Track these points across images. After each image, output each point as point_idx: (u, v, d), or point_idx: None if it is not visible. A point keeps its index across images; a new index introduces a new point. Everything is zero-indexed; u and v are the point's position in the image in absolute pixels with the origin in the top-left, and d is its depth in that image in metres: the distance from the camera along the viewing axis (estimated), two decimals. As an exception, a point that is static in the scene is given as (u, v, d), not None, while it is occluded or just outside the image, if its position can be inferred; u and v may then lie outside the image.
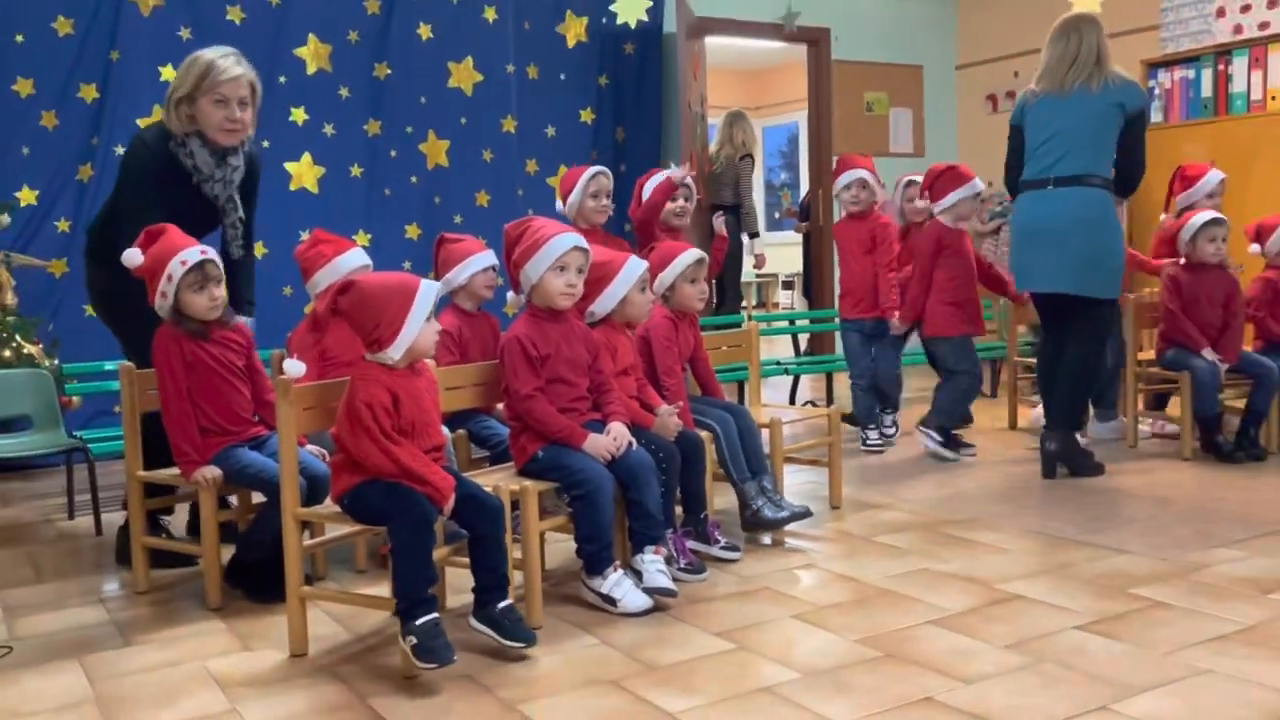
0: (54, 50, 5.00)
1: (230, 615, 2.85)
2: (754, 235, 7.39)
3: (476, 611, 2.47)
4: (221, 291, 2.95)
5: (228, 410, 2.98)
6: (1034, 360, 4.69)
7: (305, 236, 3.99)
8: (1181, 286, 4.46)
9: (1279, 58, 6.06)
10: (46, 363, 4.31)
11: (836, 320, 5.29)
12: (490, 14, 6.05)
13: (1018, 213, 4.20)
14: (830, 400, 5.99)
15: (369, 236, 5.62)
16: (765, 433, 3.55)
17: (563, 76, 6.39)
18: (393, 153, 5.79)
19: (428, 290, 2.46)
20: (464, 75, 5.99)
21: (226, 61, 3.12)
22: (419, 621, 2.31)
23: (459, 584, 2.67)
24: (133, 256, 2.87)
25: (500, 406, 3.13)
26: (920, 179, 5.07)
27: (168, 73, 4.94)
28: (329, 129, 5.61)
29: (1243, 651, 2.38)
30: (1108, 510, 3.66)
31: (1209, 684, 2.21)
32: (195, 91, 3.11)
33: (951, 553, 3.21)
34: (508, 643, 2.42)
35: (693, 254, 3.39)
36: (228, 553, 2.99)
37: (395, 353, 2.43)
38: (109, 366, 4.26)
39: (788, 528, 3.39)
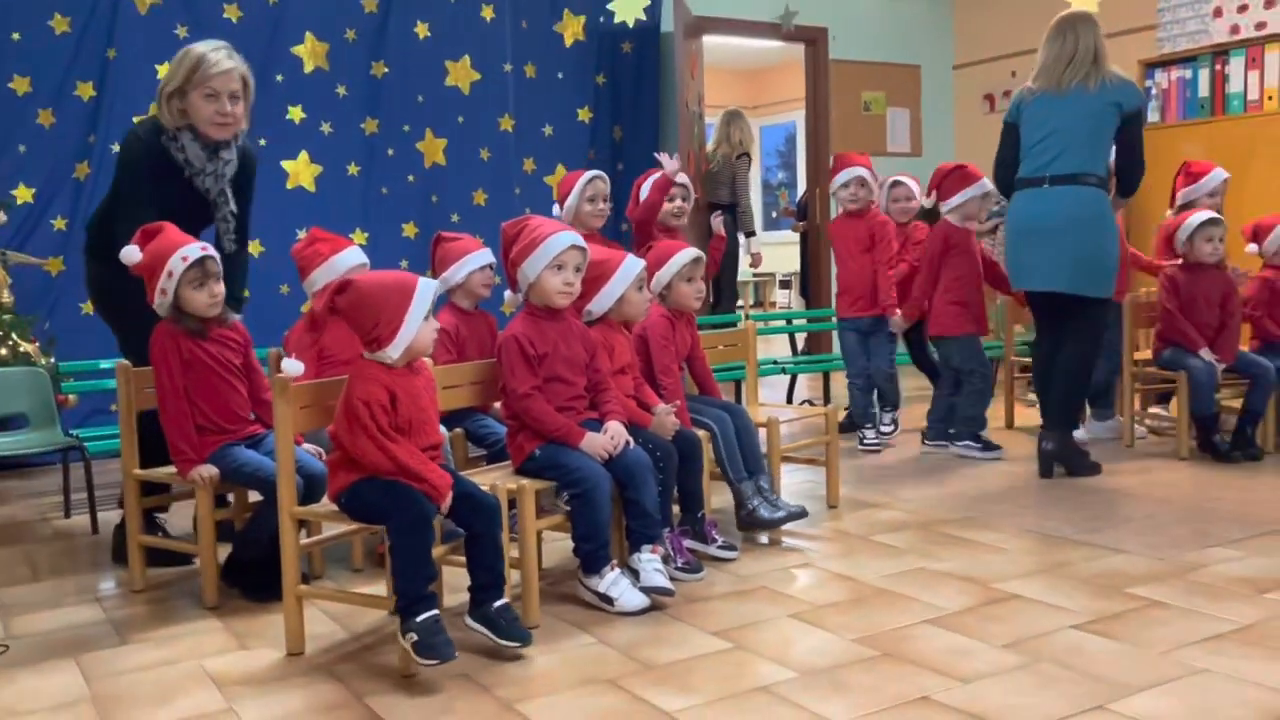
0: (51, 48, 4.99)
1: (227, 614, 2.84)
2: (750, 234, 7.40)
3: (472, 610, 2.47)
4: (221, 288, 2.95)
5: (225, 409, 2.97)
6: (1030, 359, 4.68)
7: (302, 235, 3.99)
8: (1179, 286, 4.46)
9: (1276, 58, 6.07)
10: (43, 361, 4.30)
11: (834, 319, 5.28)
12: (488, 13, 6.05)
13: (1013, 211, 4.20)
14: (827, 399, 5.99)
15: (366, 235, 5.62)
16: (762, 432, 3.55)
17: (560, 75, 6.39)
18: (390, 151, 5.79)
19: (426, 289, 2.46)
20: (461, 74, 5.99)
21: (217, 55, 3.12)
22: (419, 618, 2.31)
23: (455, 583, 2.66)
24: (131, 254, 2.87)
25: (497, 405, 3.13)
26: (906, 179, 5.08)
27: (164, 71, 4.92)
28: (326, 127, 5.61)
29: (1239, 651, 2.38)
30: (1105, 510, 3.66)
31: (1205, 683, 2.22)
32: (186, 85, 3.11)
33: (948, 552, 3.22)
34: (503, 642, 2.42)
35: (689, 253, 3.39)
36: (224, 551, 2.99)
37: (394, 352, 2.43)
38: (105, 365, 4.25)
39: (785, 527, 3.39)
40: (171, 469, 2.99)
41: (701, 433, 3.24)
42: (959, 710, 2.12)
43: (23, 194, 4.95)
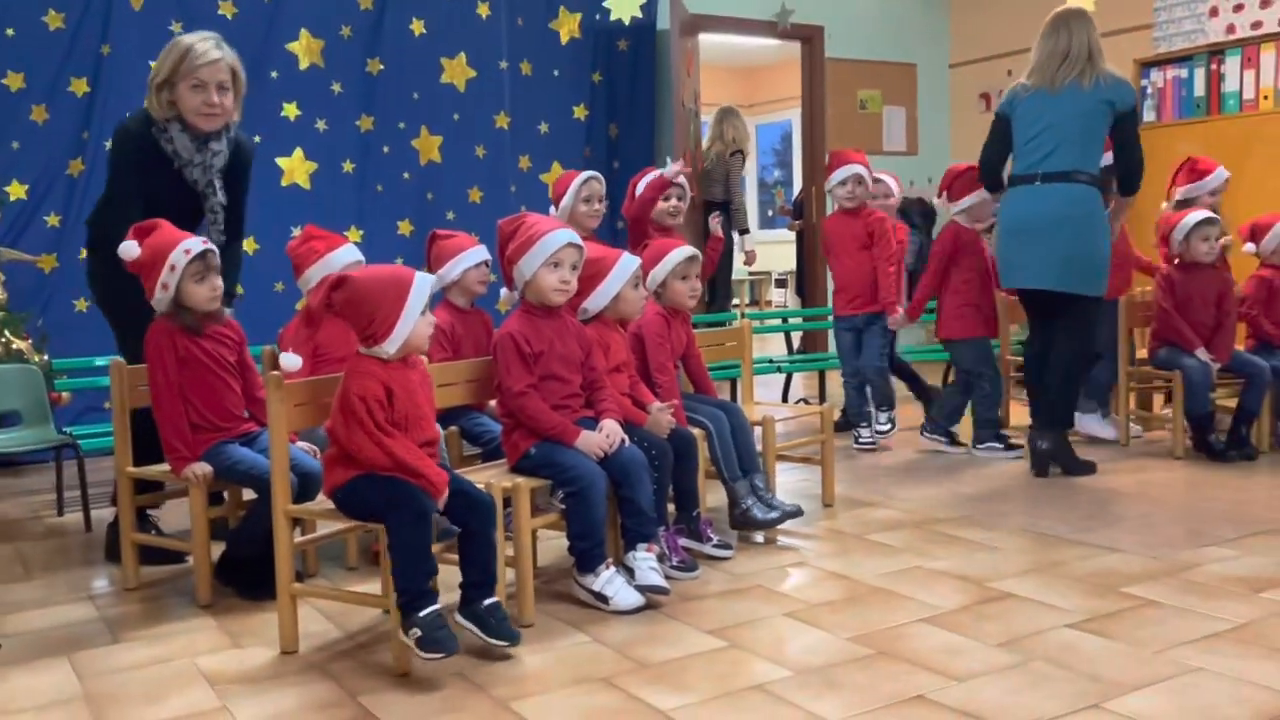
0: (44, 44, 4.97)
1: (220, 612, 2.84)
2: (744, 232, 7.39)
3: (462, 608, 2.46)
4: (220, 282, 2.96)
5: (219, 406, 2.97)
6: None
7: (297, 232, 3.98)
8: (1174, 286, 4.47)
9: (1271, 57, 6.08)
10: (36, 358, 4.29)
11: (830, 318, 5.27)
12: (483, 10, 6.04)
13: (1005, 208, 4.19)
14: (823, 398, 5.99)
15: (361, 232, 5.61)
16: (757, 431, 3.55)
17: (556, 73, 6.39)
18: (385, 148, 5.78)
19: (422, 283, 2.45)
20: (457, 71, 5.98)
21: (204, 45, 3.12)
22: (422, 613, 2.31)
23: (446, 580, 2.65)
24: (129, 249, 2.85)
25: (493, 403, 3.12)
26: (885, 176, 5.07)
27: (157, 66, 4.92)
28: (321, 124, 5.60)
29: (1233, 650, 2.38)
30: (1099, 509, 3.67)
31: (1200, 682, 2.22)
32: (174, 76, 3.10)
33: (943, 551, 3.22)
34: (492, 641, 2.41)
35: (684, 251, 3.38)
36: (218, 549, 2.98)
37: (390, 347, 2.42)
38: (99, 362, 4.24)
39: (779, 525, 3.39)
40: (165, 467, 2.98)
41: (697, 431, 3.24)
42: (953, 709, 2.12)
43: (16, 190, 4.94)
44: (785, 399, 6.09)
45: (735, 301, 11.16)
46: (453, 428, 3.28)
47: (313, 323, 3.24)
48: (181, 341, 2.91)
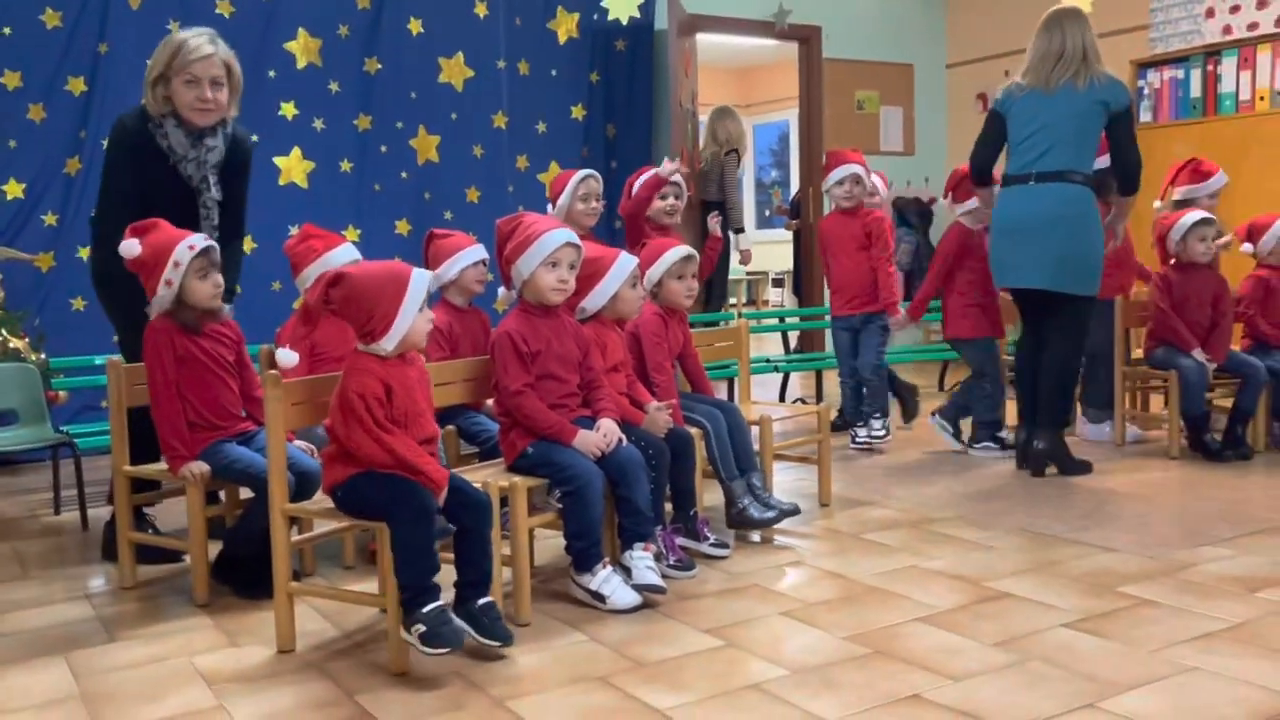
0: (42, 43, 4.97)
1: (217, 611, 2.84)
2: (738, 231, 7.38)
3: (456, 607, 2.46)
4: (222, 279, 2.97)
5: (216, 405, 2.96)
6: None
7: (294, 231, 3.98)
8: (1171, 286, 4.47)
9: (1268, 58, 6.09)
10: (33, 357, 4.28)
11: (828, 318, 5.26)
12: (481, 9, 6.04)
13: (998, 208, 4.20)
14: (820, 398, 6.00)
15: (359, 232, 5.61)
16: (755, 430, 3.55)
17: (554, 73, 6.39)
18: (383, 148, 5.78)
19: (419, 279, 2.45)
20: (454, 71, 5.98)
21: (198, 41, 3.12)
22: (426, 609, 2.31)
23: (441, 579, 2.65)
24: (130, 248, 2.85)
25: (490, 402, 3.12)
26: (873, 176, 5.05)
27: (155, 64, 4.92)
28: (319, 124, 5.59)
29: (1229, 649, 2.38)
30: (1095, 508, 3.67)
31: (1196, 682, 2.22)
32: (168, 71, 3.11)
33: (940, 550, 3.22)
34: (485, 641, 2.41)
35: (680, 250, 3.39)
36: (215, 548, 2.98)
37: (388, 344, 2.42)
38: (97, 361, 4.24)
39: (777, 525, 3.39)
40: (162, 466, 2.98)
41: (694, 431, 3.24)
42: (950, 708, 2.12)
43: (13, 189, 4.94)
44: (782, 399, 6.09)
45: (732, 301, 11.17)
46: (450, 427, 3.28)
47: (310, 320, 3.25)
48: (180, 340, 2.91)
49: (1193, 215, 4.43)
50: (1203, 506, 3.65)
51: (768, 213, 13.49)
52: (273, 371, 2.45)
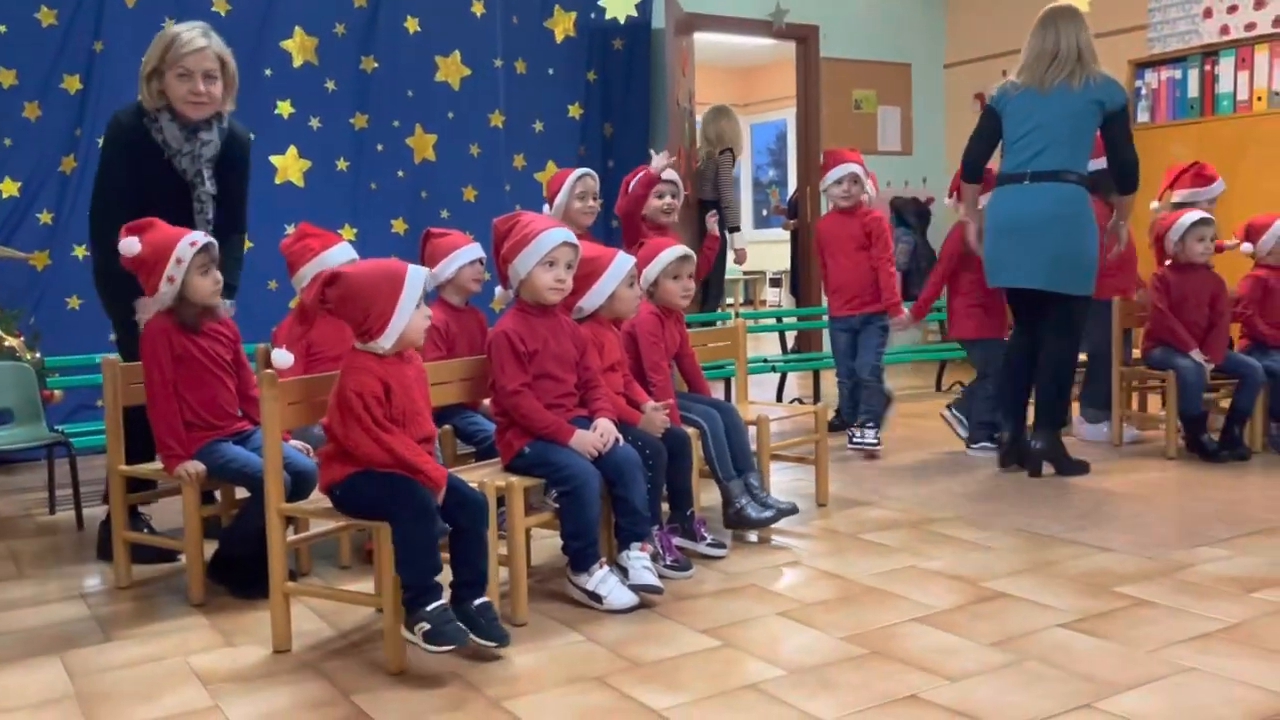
0: (37, 41, 4.95)
1: (213, 611, 2.83)
2: (733, 229, 7.37)
3: (452, 607, 2.45)
4: (220, 275, 2.96)
5: (213, 404, 2.96)
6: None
7: (290, 230, 3.97)
8: (1169, 286, 4.47)
9: (1265, 58, 6.09)
10: (28, 356, 4.27)
11: (825, 318, 5.24)
12: (478, 8, 6.03)
13: (993, 207, 4.19)
14: (817, 398, 5.99)
15: (355, 231, 5.59)
16: (752, 430, 3.54)
17: (551, 71, 6.38)
18: (379, 147, 5.77)
19: (415, 276, 2.44)
20: (451, 69, 5.97)
21: (191, 34, 3.12)
22: (429, 608, 2.31)
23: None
24: (130, 245, 2.84)
25: (486, 402, 3.12)
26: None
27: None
28: (315, 122, 5.58)
29: (1226, 650, 2.38)
30: (1093, 509, 3.67)
31: (1193, 682, 2.22)
32: (161, 65, 3.12)
33: (937, 550, 3.22)
34: (481, 641, 2.40)
35: (676, 250, 3.38)
36: (210, 548, 2.97)
37: (386, 342, 2.42)
38: (100, 359, 4.23)
39: (775, 524, 3.39)
40: (157, 465, 2.97)
41: (691, 430, 3.24)
42: (947, 708, 2.12)
43: (8, 187, 4.92)
44: (780, 398, 6.09)
45: (729, 301, 11.17)
46: (446, 426, 3.28)
47: (306, 320, 3.24)
48: (178, 339, 2.91)
49: (1192, 215, 4.43)
50: (1200, 507, 3.65)
51: (765, 212, 13.50)
52: (269, 371, 2.45)
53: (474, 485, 2.53)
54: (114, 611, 2.87)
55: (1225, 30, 6.41)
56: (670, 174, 4.12)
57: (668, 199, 4.16)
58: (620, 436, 2.88)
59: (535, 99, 6.31)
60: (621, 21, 5.08)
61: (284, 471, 2.55)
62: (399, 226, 5.81)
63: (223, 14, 5.27)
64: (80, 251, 4.95)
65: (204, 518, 2.95)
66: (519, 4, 6.23)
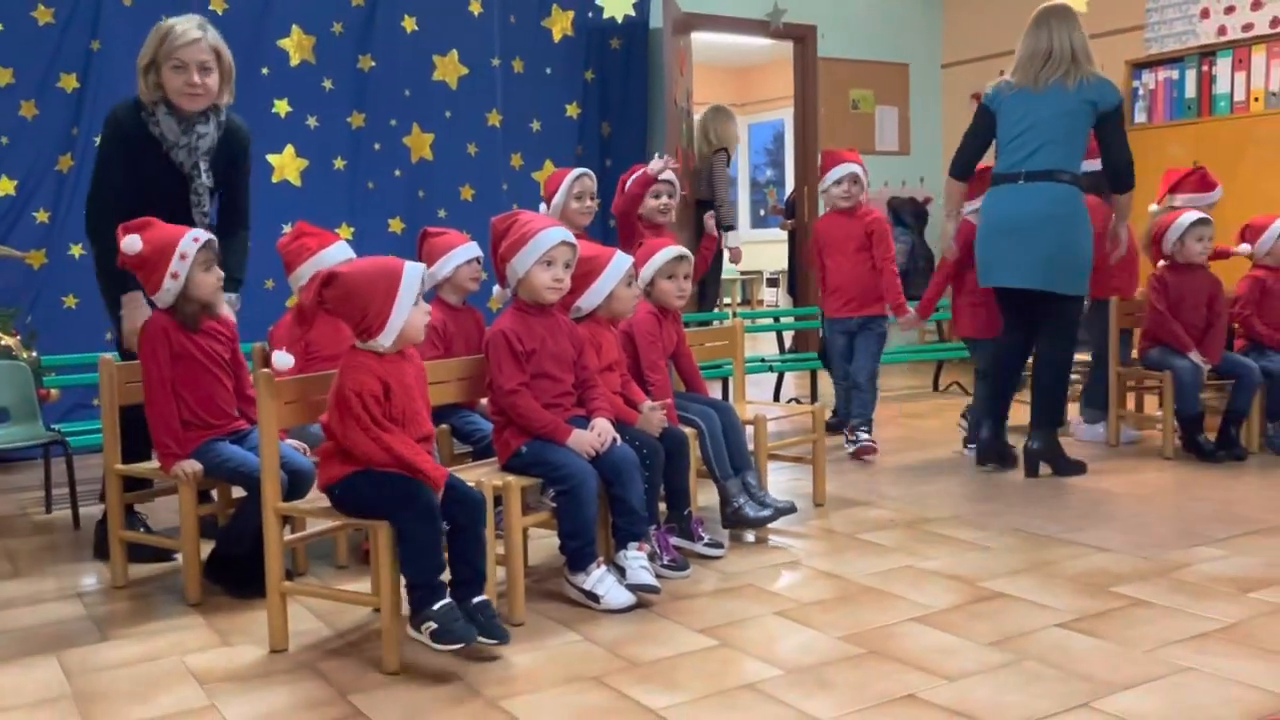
0: (34, 39, 4.95)
1: (209, 610, 2.82)
2: (728, 229, 7.36)
3: (451, 606, 2.46)
4: (221, 272, 2.97)
5: (210, 403, 2.95)
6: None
7: (287, 229, 3.96)
8: (1167, 286, 4.48)
9: (1262, 59, 6.09)
10: (24, 355, 4.27)
11: (821, 319, 5.22)
12: (475, 7, 6.02)
13: (987, 207, 4.19)
14: (815, 398, 5.99)
15: (352, 230, 5.59)
16: (749, 430, 3.54)
17: (548, 71, 6.37)
18: (376, 146, 5.76)
19: (412, 273, 2.44)
20: (449, 68, 5.97)
21: (185, 26, 3.13)
22: (435, 607, 2.31)
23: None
24: (132, 244, 2.83)
25: (484, 401, 3.11)
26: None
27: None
28: (312, 121, 5.58)
29: (1223, 649, 2.39)
30: (1090, 509, 3.67)
31: (1190, 682, 2.22)
32: (157, 57, 3.12)
33: (934, 550, 3.22)
34: (481, 640, 2.40)
35: (672, 250, 3.39)
36: (207, 547, 2.97)
37: (385, 340, 2.42)
38: (105, 357, 4.23)
39: (771, 524, 3.39)
40: (154, 464, 2.96)
41: (688, 430, 3.23)
42: (944, 708, 2.12)
43: (4, 186, 4.91)
44: (777, 398, 6.09)
45: (727, 301, 11.17)
46: (443, 426, 3.27)
47: (305, 321, 3.22)
48: (176, 337, 2.90)
49: (1190, 215, 4.44)
50: (1197, 507, 3.66)
51: (763, 212, 13.50)
52: (266, 370, 2.44)
53: (471, 484, 2.53)
54: (110, 611, 2.87)
55: (1222, 31, 6.41)
56: (667, 173, 4.11)
57: (664, 199, 4.15)
58: (618, 436, 2.87)
59: (533, 98, 6.30)
60: (619, 21, 5.08)
61: (281, 471, 2.55)
62: (396, 226, 5.80)
63: (220, 12, 5.26)
64: (77, 250, 4.94)
65: (201, 517, 2.95)
66: (517, 3, 6.23)
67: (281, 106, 5.49)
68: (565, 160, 6.05)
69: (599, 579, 2.74)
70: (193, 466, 2.86)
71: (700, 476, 3.34)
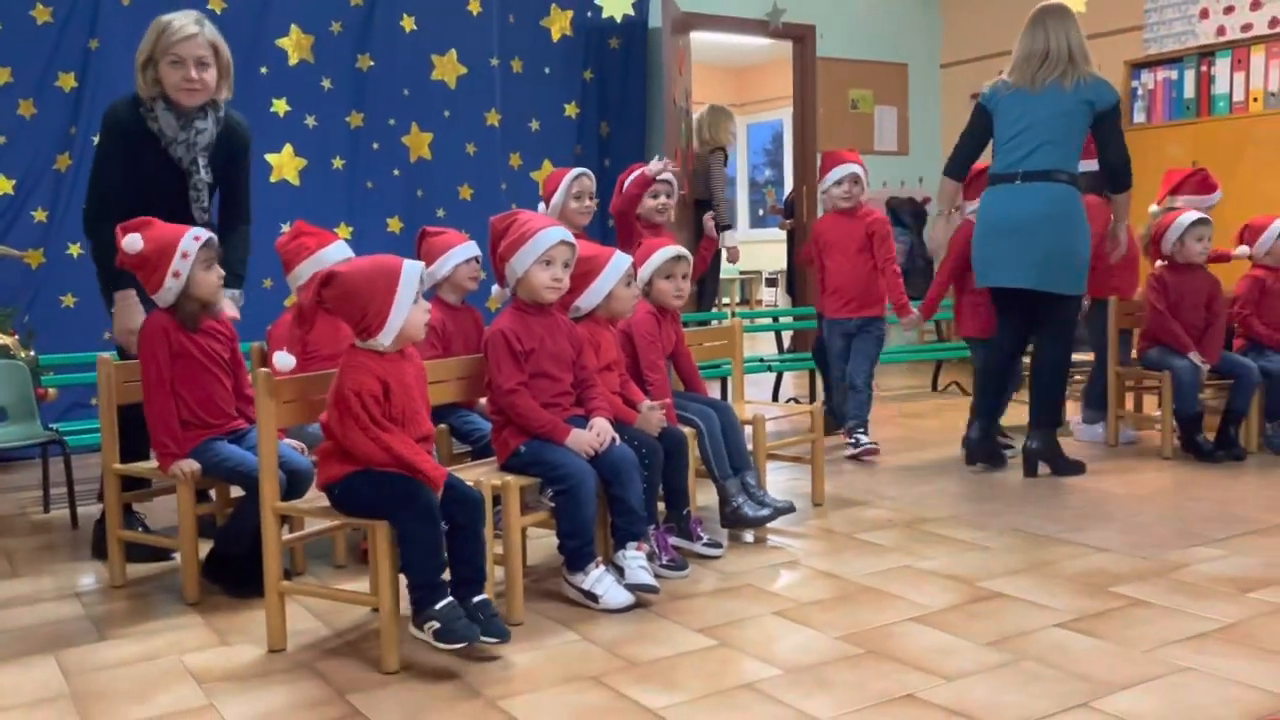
0: (32, 39, 4.94)
1: (208, 610, 2.82)
2: (725, 228, 7.36)
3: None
4: (222, 270, 2.98)
5: (209, 402, 2.95)
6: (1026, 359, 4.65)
7: (286, 229, 3.96)
8: (1167, 287, 4.48)
9: (1261, 59, 6.10)
10: (22, 354, 4.26)
11: (821, 320, 5.20)
12: (474, 6, 6.02)
13: (984, 207, 4.19)
14: (814, 397, 5.99)
15: (350, 229, 5.58)
16: (748, 429, 3.54)
17: (547, 70, 6.37)
18: (375, 145, 5.76)
19: (411, 270, 2.43)
20: (447, 68, 5.97)
21: (182, 21, 3.13)
22: (438, 606, 2.31)
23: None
24: (133, 243, 2.83)
25: (483, 401, 3.11)
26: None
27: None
28: (311, 120, 5.57)
29: (1222, 649, 2.39)
30: (1088, 509, 3.67)
31: (1188, 682, 2.22)
32: (154, 53, 3.13)
33: (933, 550, 3.22)
34: (483, 638, 2.40)
35: (669, 250, 3.39)
36: (205, 547, 2.96)
37: (385, 338, 2.41)
38: (104, 356, 4.23)
39: (770, 524, 3.38)
40: (152, 464, 2.96)
41: (687, 430, 3.23)
42: (943, 708, 2.12)
43: (2, 185, 4.91)
44: (775, 398, 6.09)
45: (725, 300, 11.17)
46: (442, 425, 3.27)
47: (305, 322, 3.21)
48: (176, 336, 2.90)
49: (1190, 215, 4.44)
50: (1195, 507, 3.66)
51: (761, 212, 13.50)
52: (264, 370, 2.44)
53: (470, 484, 2.52)
54: (108, 610, 2.86)
55: (1221, 31, 6.42)
56: (665, 174, 4.11)
57: (662, 198, 4.15)
58: (616, 436, 2.87)
59: (532, 98, 6.30)
60: (618, 20, 5.07)
61: (279, 470, 2.55)
62: (395, 225, 5.80)
63: (218, 11, 5.26)
64: (75, 250, 4.93)
65: (199, 516, 2.95)
66: (516, 3, 6.22)
67: (280, 106, 5.48)
68: (564, 160, 6.05)
69: (598, 579, 2.73)
70: (191, 466, 2.86)
71: (699, 476, 3.34)
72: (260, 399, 2.44)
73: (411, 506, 2.33)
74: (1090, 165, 4.28)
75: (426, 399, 2.58)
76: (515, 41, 6.23)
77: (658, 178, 4.06)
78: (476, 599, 2.42)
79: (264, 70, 5.41)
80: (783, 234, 8.36)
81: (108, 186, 3.16)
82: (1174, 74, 6.51)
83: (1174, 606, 2.67)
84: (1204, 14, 6.52)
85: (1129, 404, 5.02)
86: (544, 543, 3.18)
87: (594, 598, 2.72)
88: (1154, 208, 4.76)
